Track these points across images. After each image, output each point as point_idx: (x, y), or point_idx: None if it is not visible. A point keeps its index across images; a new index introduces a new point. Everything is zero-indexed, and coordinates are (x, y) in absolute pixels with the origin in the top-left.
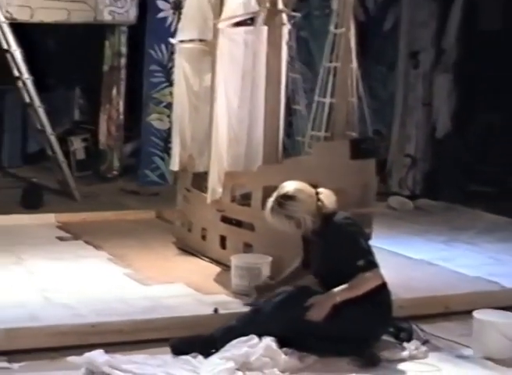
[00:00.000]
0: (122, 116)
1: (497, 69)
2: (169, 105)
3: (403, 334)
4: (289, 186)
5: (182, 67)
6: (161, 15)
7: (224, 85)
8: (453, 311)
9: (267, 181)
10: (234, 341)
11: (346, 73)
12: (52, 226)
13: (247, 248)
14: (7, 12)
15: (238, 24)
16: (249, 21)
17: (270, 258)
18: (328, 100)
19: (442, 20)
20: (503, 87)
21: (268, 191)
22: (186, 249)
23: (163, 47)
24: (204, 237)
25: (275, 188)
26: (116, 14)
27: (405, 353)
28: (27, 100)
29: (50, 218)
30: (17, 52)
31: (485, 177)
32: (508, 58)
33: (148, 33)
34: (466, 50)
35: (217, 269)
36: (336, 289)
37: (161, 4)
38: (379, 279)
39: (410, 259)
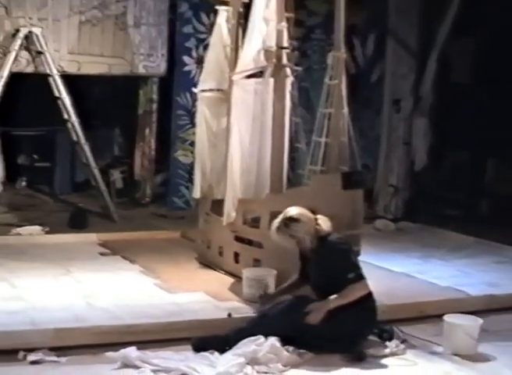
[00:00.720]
0: (153, 152)
1: (465, 115)
2: (193, 143)
3: (386, 334)
4: (294, 210)
5: (203, 112)
6: (186, 68)
7: (237, 126)
8: (427, 315)
9: (273, 207)
10: (244, 340)
11: (338, 118)
12: (94, 243)
13: (256, 262)
14: (59, 65)
15: (249, 76)
16: (259, 74)
17: (275, 272)
18: (323, 139)
19: (420, 73)
20: (470, 130)
21: (273, 215)
22: (206, 263)
23: (188, 95)
24: (220, 253)
25: (279, 213)
26: (149, 67)
27: (387, 350)
28: (75, 138)
29: (92, 237)
30: (66, 99)
31: (454, 203)
32: (475, 106)
33: (176, 83)
34: (439, 98)
35: (231, 280)
36: (331, 297)
37: (186, 59)
38: (366, 289)
39: (392, 272)
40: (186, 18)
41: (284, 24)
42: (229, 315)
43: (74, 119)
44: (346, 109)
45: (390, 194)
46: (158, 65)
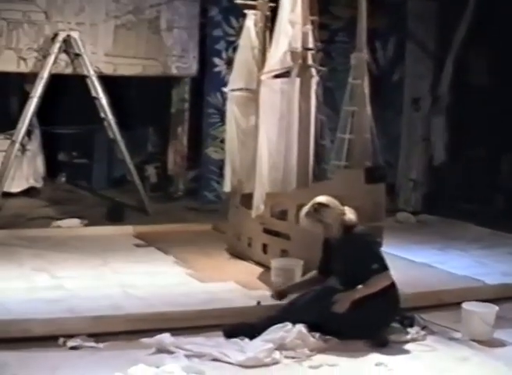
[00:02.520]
0: (185, 149)
1: (480, 114)
2: (223, 140)
3: (407, 321)
4: (325, 198)
5: (232, 110)
6: (216, 69)
7: (265, 124)
8: (446, 303)
9: (299, 200)
10: (273, 327)
11: (361, 115)
12: (130, 236)
13: (284, 253)
14: (96, 67)
15: (277, 76)
16: (285, 74)
17: (302, 262)
18: (347, 136)
19: (437, 74)
20: (485, 128)
21: (300, 208)
22: (236, 254)
23: (218, 94)
24: (249, 245)
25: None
26: (181, 68)
27: (408, 336)
28: (111, 136)
29: (129, 229)
30: (103, 99)
31: (471, 197)
32: (489, 106)
33: (206, 83)
34: (456, 97)
35: (260, 269)
36: (356, 288)
37: (216, 60)
38: (389, 279)
39: (413, 262)
40: (216, 21)
41: (309, 27)
42: (258, 303)
43: (110, 117)
44: (368, 108)
45: (410, 188)
46: (190, 66)
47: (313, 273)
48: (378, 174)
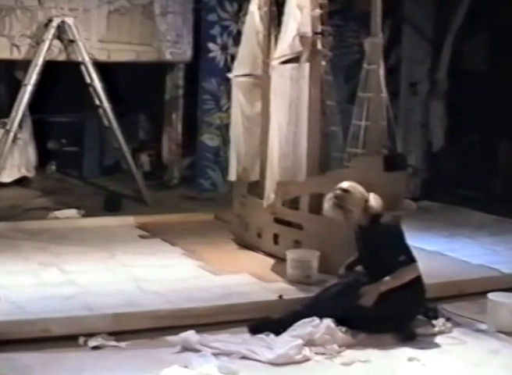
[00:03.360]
0: (180, 136)
1: (478, 99)
2: (218, 127)
3: (431, 313)
4: (348, 183)
5: (237, 97)
6: (211, 54)
7: (275, 112)
8: (465, 293)
9: (314, 189)
10: (299, 322)
11: (377, 101)
12: (132, 226)
13: (297, 243)
14: (89, 53)
15: (286, 62)
16: (295, 59)
17: (318, 253)
18: (363, 123)
19: (436, 58)
20: (483, 114)
21: (314, 197)
22: (244, 245)
23: (213, 80)
24: (259, 235)
25: (320, 195)
26: (175, 54)
27: (435, 329)
28: (106, 123)
29: (130, 220)
30: (98, 85)
31: (469, 183)
32: (486, 92)
33: (201, 69)
34: (454, 82)
35: (271, 261)
36: (382, 280)
37: (211, 46)
38: (416, 272)
39: (425, 251)
40: (210, 6)
41: (318, 11)
42: (280, 297)
43: (106, 104)
44: (384, 94)
45: (409, 174)
46: (184, 51)
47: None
48: (397, 162)
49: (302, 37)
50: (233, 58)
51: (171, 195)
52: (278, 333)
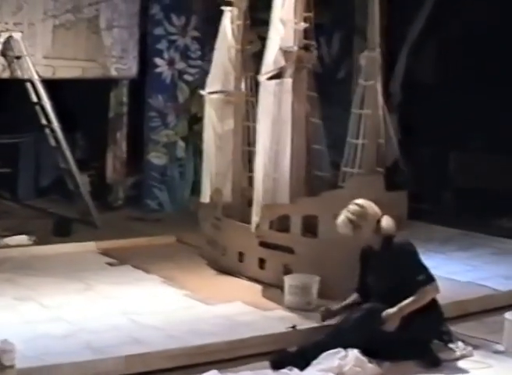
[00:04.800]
0: (124, 155)
1: (429, 111)
2: (165, 145)
3: (446, 337)
4: (363, 200)
5: (210, 115)
6: (158, 70)
7: (261, 131)
8: (469, 313)
9: (307, 211)
10: (324, 354)
11: (375, 119)
12: (94, 252)
13: (287, 268)
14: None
15: (273, 78)
16: (280, 75)
17: (318, 278)
18: (360, 141)
19: (388, 70)
20: (433, 126)
21: (307, 220)
22: (222, 270)
23: (160, 97)
24: (241, 260)
25: (313, 217)
26: (121, 70)
27: (457, 353)
28: (53, 144)
29: (91, 246)
30: (47, 104)
31: (421, 196)
32: (437, 104)
33: (148, 85)
34: (406, 95)
35: (258, 286)
36: (404, 303)
37: (158, 61)
38: (437, 290)
39: None
40: (157, 20)
41: (303, 24)
42: (294, 327)
43: (56, 124)
44: (381, 111)
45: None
46: (130, 67)
47: (354, 295)
48: (399, 180)
49: (285, 52)
50: (180, 73)
51: (116, 217)
52: (302, 367)
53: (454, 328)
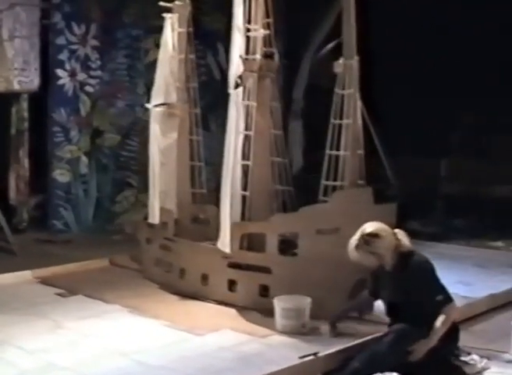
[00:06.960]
0: (27, 173)
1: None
2: (69, 161)
3: (457, 351)
4: (373, 226)
5: (154, 130)
6: (60, 82)
7: (227, 142)
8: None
9: (283, 229)
10: None
11: (355, 129)
12: (33, 282)
13: (264, 289)
14: None
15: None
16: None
17: (310, 299)
18: (342, 153)
19: (290, 75)
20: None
21: (283, 238)
22: (182, 294)
23: (62, 110)
24: (204, 283)
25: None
26: (23, 83)
27: (479, 366)
28: None
29: (27, 275)
30: None
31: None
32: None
33: (50, 98)
34: (310, 101)
35: (232, 310)
36: (433, 333)
37: (60, 72)
38: (457, 310)
39: None
40: (58, 29)
41: (262, 31)
42: (315, 354)
43: None
44: (360, 120)
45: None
46: (32, 80)
47: (365, 293)
48: (388, 193)
49: (245, 60)
50: (82, 85)
51: (24, 240)
52: None
53: None
